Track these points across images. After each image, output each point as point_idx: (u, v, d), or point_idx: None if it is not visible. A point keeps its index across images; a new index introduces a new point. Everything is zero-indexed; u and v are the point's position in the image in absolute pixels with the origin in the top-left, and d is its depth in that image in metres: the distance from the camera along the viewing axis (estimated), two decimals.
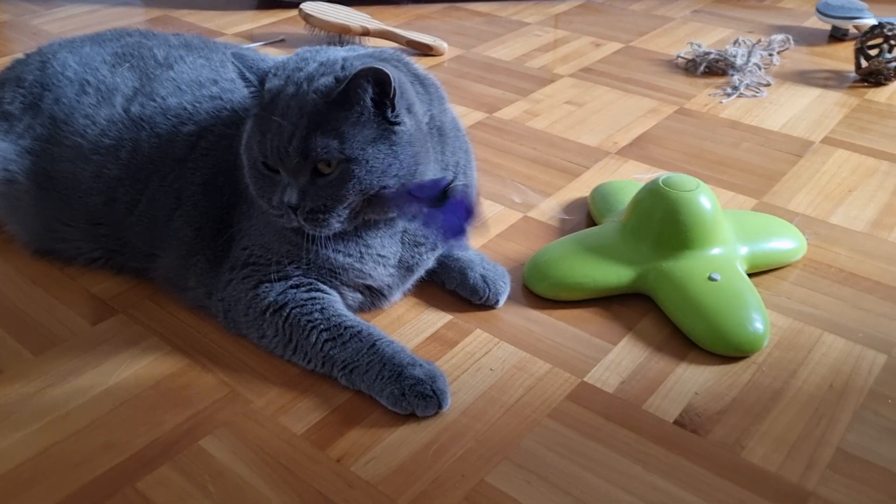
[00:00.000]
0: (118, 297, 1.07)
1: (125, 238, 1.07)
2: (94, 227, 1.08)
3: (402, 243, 0.98)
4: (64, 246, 1.12)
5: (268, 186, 0.90)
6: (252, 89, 0.92)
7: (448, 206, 0.91)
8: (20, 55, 1.26)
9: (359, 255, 0.96)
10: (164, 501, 0.79)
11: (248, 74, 0.90)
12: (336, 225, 0.90)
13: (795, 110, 1.56)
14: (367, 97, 0.86)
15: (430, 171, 0.94)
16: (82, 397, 0.91)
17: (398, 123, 0.88)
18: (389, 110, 0.87)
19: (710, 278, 0.99)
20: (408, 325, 1.02)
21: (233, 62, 0.91)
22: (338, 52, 0.93)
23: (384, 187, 0.88)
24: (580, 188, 1.30)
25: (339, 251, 0.95)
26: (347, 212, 0.89)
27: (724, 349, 0.95)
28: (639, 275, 1.03)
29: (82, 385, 0.92)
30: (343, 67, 0.88)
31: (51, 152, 1.10)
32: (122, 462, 0.83)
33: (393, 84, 0.85)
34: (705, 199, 1.04)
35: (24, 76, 1.18)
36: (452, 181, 0.96)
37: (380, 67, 0.83)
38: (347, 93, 0.85)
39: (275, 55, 0.97)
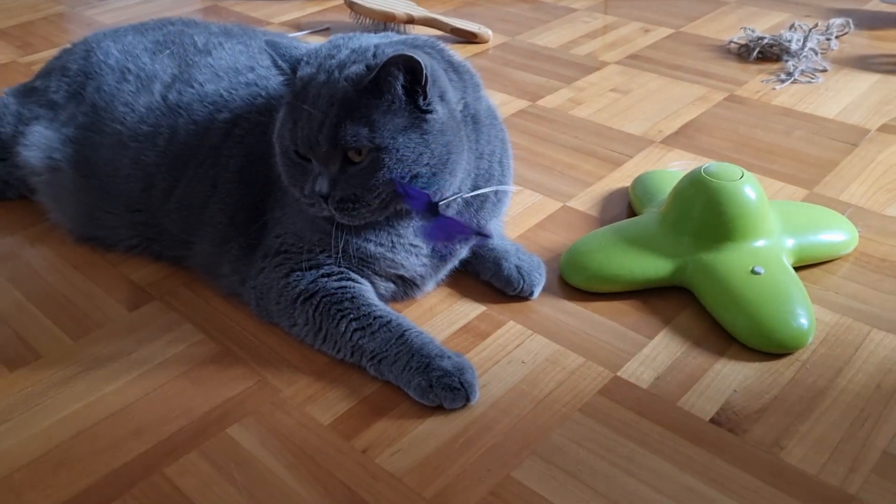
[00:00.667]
0: (155, 283, 1.08)
1: (162, 225, 1.08)
2: (132, 214, 1.10)
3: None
4: (105, 233, 1.13)
5: (299, 175, 0.90)
6: (284, 77, 0.91)
7: (437, 221, 0.88)
8: (69, 45, 1.28)
9: (390, 244, 0.95)
10: (191, 488, 0.79)
11: (280, 62, 0.90)
12: (367, 214, 0.89)
13: (852, 97, 1.50)
14: (398, 85, 0.84)
15: (464, 160, 0.92)
16: (116, 383, 0.92)
17: (430, 112, 0.86)
18: (421, 98, 0.85)
19: (753, 271, 0.96)
20: (440, 316, 1.00)
21: (266, 50, 0.91)
22: (370, 40, 0.92)
23: (415, 176, 0.86)
24: (622, 178, 1.27)
25: (371, 240, 0.94)
26: (378, 201, 0.88)
27: (766, 345, 0.91)
28: (678, 267, 1.00)
29: (117, 371, 0.94)
30: (374, 55, 0.87)
31: (92, 140, 1.11)
32: (151, 448, 0.83)
33: (424, 71, 0.83)
34: (750, 190, 1.00)
35: (69, 65, 1.20)
36: (441, 200, 0.90)
37: (411, 55, 0.82)
38: (378, 80, 0.84)
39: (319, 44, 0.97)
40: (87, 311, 1.03)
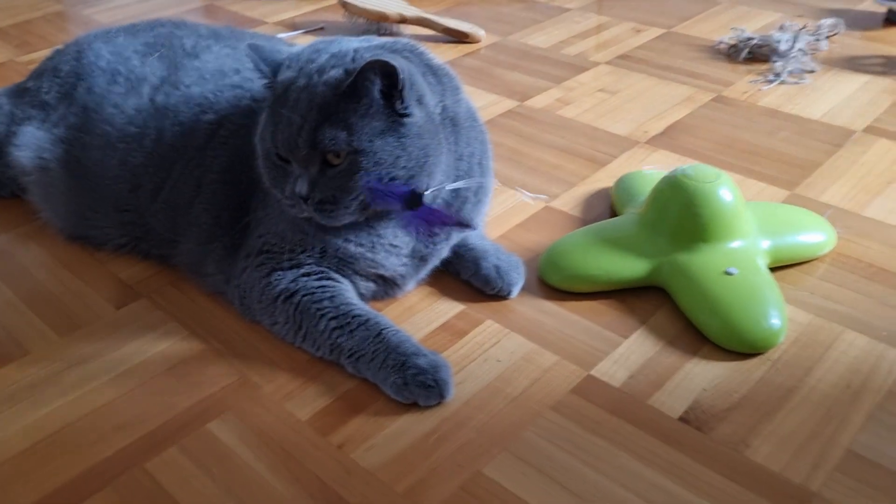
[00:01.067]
0: (143, 282, 1.10)
1: (149, 225, 1.10)
2: (120, 213, 1.12)
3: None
4: (94, 232, 1.15)
5: (280, 177, 0.92)
6: (266, 80, 0.93)
7: (420, 212, 0.90)
8: (61, 46, 1.30)
9: (370, 244, 0.97)
10: (170, 482, 0.81)
11: (261, 66, 0.92)
12: (346, 216, 0.91)
13: (839, 98, 1.51)
14: (376, 89, 0.86)
15: (443, 163, 0.94)
16: (101, 379, 0.94)
17: (407, 115, 0.88)
18: (398, 102, 0.87)
19: (727, 272, 0.97)
20: (420, 314, 1.02)
21: (248, 54, 0.93)
22: (350, 44, 0.93)
23: (392, 179, 0.88)
24: (606, 178, 1.28)
25: (351, 241, 0.96)
26: (357, 203, 0.89)
27: (738, 345, 0.93)
28: (654, 268, 1.01)
29: (102, 367, 0.96)
30: (353, 59, 0.89)
31: (82, 140, 1.13)
32: (133, 443, 0.86)
33: (401, 76, 0.85)
34: (725, 191, 1.01)
35: (61, 66, 1.22)
36: (422, 192, 0.92)
37: (387, 60, 0.83)
38: (356, 85, 0.86)
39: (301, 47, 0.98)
40: (74, 309, 1.06)
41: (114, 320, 1.03)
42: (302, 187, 0.89)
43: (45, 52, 1.84)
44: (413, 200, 0.88)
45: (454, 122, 0.97)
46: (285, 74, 0.91)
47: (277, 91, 0.90)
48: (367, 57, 0.87)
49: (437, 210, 0.92)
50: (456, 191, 0.99)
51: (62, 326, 1.02)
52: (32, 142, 1.17)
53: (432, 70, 0.97)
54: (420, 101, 0.90)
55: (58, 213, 1.18)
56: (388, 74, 0.85)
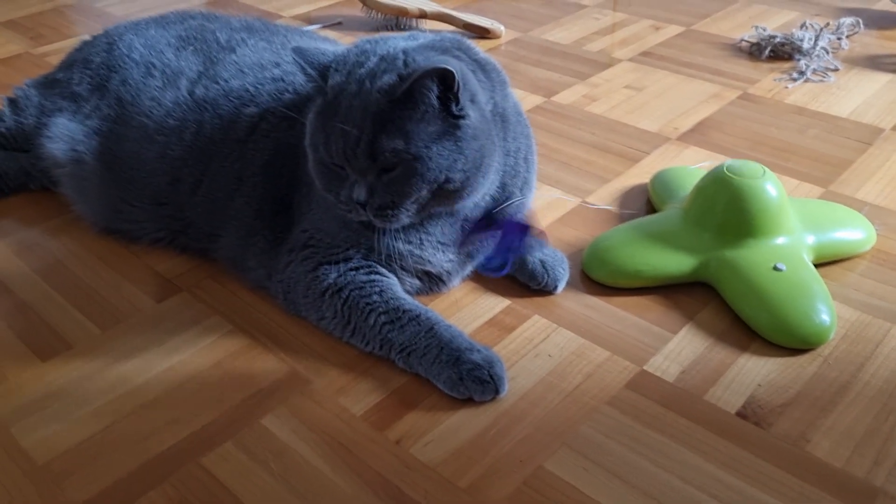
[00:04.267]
0: (182, 275, 1.09)
1: (188, 218, 1.09)
2: (158, 207, 1.10)
3: (463, 230, 0.98)
4: (129, 226, 1.14)
5: (335, 182, 0.90)
6: (314, 84, 0.91)
7: (502, 228, 0.90)
8: (87, 37, 1.29)
9: (419, 241, 0.96)
10: (228, 477, 0.80)
11: (309, 70, 0.89)
12: (405, 219, 0.89)
13: (865, 96, 1.51)
14: (433, 96, 0.84)
15: (496, 161, 0.93)
16: (147, 373, 0.93)
17: (462, 117, 0.87)
18: (454, 104, 0.86)
19: (776, 268, 0.97)
20: (465, 310, 1.02)
21: (294, 58, 0.91)
22: (397, 44, 0.91)
23: (449, 181, 0.87)
24: (640, 174, 1.28)
25: (400, 238, 0.95)
26: (416, 206, 0.89)
27: (789, 341, 0.93)
28: (700, 263, 1.01)
29: (147, 361, 0.95)
30: (405, 63, 0.87)
31: (117, 133, 1.12)
32: (186, 438, 0.85)
33: (457, 79, 0.84)
34: (771, 187, 1.02)
35: (92, 58, 1.21)
36: (499, 206, 0.93)
37: (445, 67, 0.82)
38: (412, 92, 0.84)
39: (329, 36, 0.97)
40: (114, 303, 1.04)
41: (156, 314, 1.02)
42: (360, 194, 0.87)
43: (60, 45, 1.84)
44: (488, 220, 0.89)
45: (503, 118, 0.96)
46: (335, 79, 0.88)
47: (328, 97, 0.88)
48: (420, 60, 0.86)
49: (511, 222, 0.92)
50: (503, 185, 0.98)
51: (104, 320, 1.01)
52: (65, 133, 1.15)
53: (481, 66, 0.96)
54: (473, 100, 0.89)
55: (91, 206, 1.17)
56: (444, 79, 0.84)
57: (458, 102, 0.86)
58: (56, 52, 1.80)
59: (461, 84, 0.85)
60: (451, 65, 0.83)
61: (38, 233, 1.19)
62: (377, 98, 0.85)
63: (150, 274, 1.10)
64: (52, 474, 0.81)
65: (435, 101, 0.85)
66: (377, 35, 0.95)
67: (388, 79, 0.85)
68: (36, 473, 0.81)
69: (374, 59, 0.88)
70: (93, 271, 1.10)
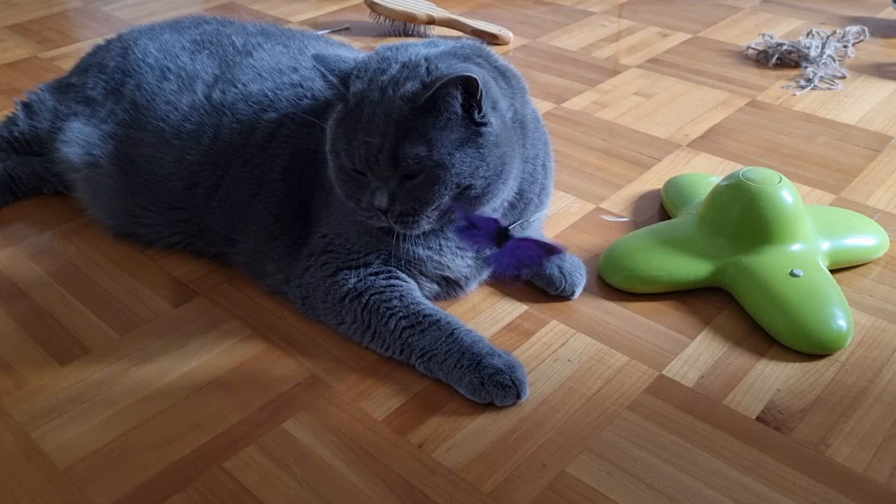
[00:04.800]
0: (198, 280, 1.09)
1: (205, 223, 1.09)
2: (174, 211, 1.10)
3: (473, 238, 0.98)
4: (144, 230, 1.14)
5: (356, 188, 0.90)
6: (335, 91, 0.91)
7: (508, 247, 0.87)
8: (100, 40, 1.29)
9: (438, 247, 0.97)
10: (252, 482, 0.80)
11: (330, 77, 0.90)
12: (426, 225, 0.90)
13: (872, 104, 1.52)
14: (457, 104, 0.85)
15: (516, 167, 0.93)
16: (167, 377, 0.93)
17: (485, 124, 0.87)
18: (476, 111, 0.86)
19: (792, 274, 0.98)
20: (483, 315, 1.02)
21: (314, 65, 0.91)
22: (419, 51, 0.91)
23: (470, 188, 0.87)
24: (652, 180, 1.29)
25: (420, 244, 0.96)
26: (437, 213, 0.89)
27: (807, 346, 0.94)
28: (717, 269, 1.02)
29: (167, 365, 0.95)
30: (428, 70, 0.87)
31: (133, 137, 1.12)
32: (208, 442, 0.85)
33: (480, 87, 0.84)
34: (787, 194, 1.02)
35: (106, 62, 1.21)
36: (510, 225, 0.92)
37: (469, 75, 0.82)
38: (435, 99, 0.84)
39: (340, 41, 0.98)
40: (131, 307, 1.04)
41: (173, 318, 1.02)
42: (381, 200, 0.87)
43: (68, 49, 1.84)
44: (501, 236, 0.87)
45: (523, 125, 0.97)
46: (357, 86, 0.88)
47: (350, 105, 0.88)
48: (443, 68, 0.86)
49: (525, 242, 0.88)
50: (520, 191, 0.98)
51: (121, 324, 1.01)
52: (81, 138, 1.15)
53: (501, 73, 0.96)
54: (495, 107, 0.89)
55: (106, 210, 1.17)
56: (468, 86, 0.84)
57: (480, 110, 0.86)
58: (64, 55, 1.81)
59: (484, 91, 0.85)
60: (474, 72, 0.83)
61: (52, 237, 1.19)
62: (400, 105, 0.85)
63: (166, 278, 1.10)
64: (74, 479, 0.81)
65: (458, 109, 0.85)
66: (398, 42, 0.95)
67: (411, 86, 0.85)
68: (58, 478, 0.81)
69: (396, 67, 0.88)
70: (108, 275, 1.10)
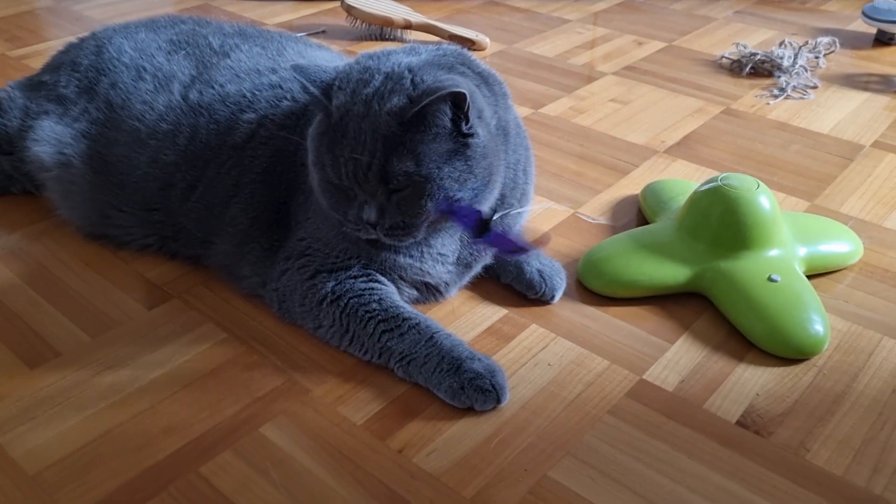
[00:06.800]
0: (172, 282, 1.07)
1: (180, 224, 1.07)
2: (148, 212, 1.08)
3: (461, 241, 0.98)
4: (117, 231, 1.12)
5: (342, 201, 0.89)
6: (317, 102, 0.89)
7: (491, 236, 0.88)
8: (71, 39, 1.27)
9: (419, 254, 0.96)
10: (228, 487, 0.79)
11: (311, 88, 0.88)
12: (416, 236, 0.89)
13: (844, 113, 1.55)
14: (446, 119, 0.84)
15: (501, 175, 0.93)
16: (141, 381, 0.91)
17: (472, 136, 0.86)
18: (463, 123, 0.85)
19: (770, 279, 0.98)
20: (463, 319, 1.01)
21: (295, 76, 0.89)
22: (401, 60, 0.89)
23: (457, 199, 0.86)
24: (630, 186, 1.29)
25: (401, 252, 0.95)
26: (425, 224, 0.88)
27: (785, 351, 0.94)
28: (695, 274, 1.02)
29: (140, 369, 0.93)
30: (413, 83, 0.85)
31: (106, 136, 1.10)
32: (184, 447, 0.83)
33: (467, 100, 0.83)
34: (766, 200, 1.03)
35: (80, 60, 1.19)
36: (492, 215, 0.92)
37: (458, 91, 0.81)
38: (423, 114, 0.83)
39: (316, 41, 0.97)
40: (103, 309, 1.02)
41: (147, 321, 1.00)
42: (370, 215, 0.86)
43: (37, 47, 1.81)
44: (482, 227, 0.87)
45: (505, 131, 0.96)
46: (339, 99, 0.86)
47: (334, 118, 0.86)
48: (428, 80, 0.85)
49: (502, 237, 0.89)
50: (502, 196, 0.98)
51: (93, 327, 0.99)
52: (52, 136, 1.13)
53: (484, 79, 0.95)
54: (480, 116, 0.88)
55: (78, 211, 1.14)
56: (455, 100, 0.83)
57: (468, 121, 0.85)
58: (33, 54, 1.77)
59: (471, 103, 0.84)
60: (462, 85, 0.82)
61: (22, 237, 1.16)
62: (387, 120, 0.83)
63: (139, 280, 1.07)
64: (44, 485, 0.79)
65: (448, 123, 0.84)
66: (378, 49, 0.94)
67: (397, 101, 0.84)
68: (27, 484, 0.79)
69: (379, 78, 0.86)
70: (80, 277, 1.08)
